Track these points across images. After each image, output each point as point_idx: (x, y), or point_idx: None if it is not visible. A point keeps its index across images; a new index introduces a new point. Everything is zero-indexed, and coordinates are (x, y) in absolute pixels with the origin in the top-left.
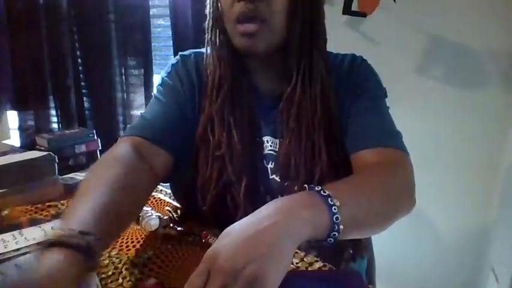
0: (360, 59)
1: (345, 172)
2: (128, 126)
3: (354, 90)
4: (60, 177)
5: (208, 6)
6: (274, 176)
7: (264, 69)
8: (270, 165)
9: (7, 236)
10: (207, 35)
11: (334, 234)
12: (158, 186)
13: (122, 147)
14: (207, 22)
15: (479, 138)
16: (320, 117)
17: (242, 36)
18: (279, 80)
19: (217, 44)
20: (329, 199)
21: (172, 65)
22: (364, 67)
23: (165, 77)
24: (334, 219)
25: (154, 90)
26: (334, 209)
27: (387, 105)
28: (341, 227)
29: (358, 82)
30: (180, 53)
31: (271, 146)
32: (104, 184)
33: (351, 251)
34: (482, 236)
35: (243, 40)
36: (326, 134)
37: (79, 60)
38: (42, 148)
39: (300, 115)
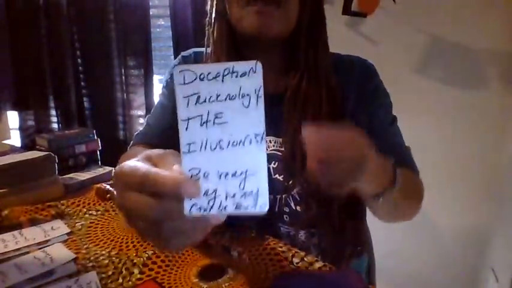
0: (371, 64)
1: None
2: (135, 133)
3: (366, 97)
4: (60, 177)
5: (209, 1)
6: (277, 175)
7: (265, 64)
8: (273, 165)
9: (7, 236)
10: (208, 28)
11: (382, 194)
12: None
13: (133, 149)
14: (208, 16)
15: (479, 138)
16: (325, 111)
17: (256, 15)
18: (281, 77)
19: (217, 36)
20: (397, 170)
21: (175, 66)
22: (375, 74)
23: (168, 78)
24: (395, 183)
25: (154, 90)
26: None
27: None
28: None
29: (371, 90)
30: (182, 53)
31: (274, 145)
32: None
33: (352, 248)
34: (482, 236)
35: (257, 19)
36: None
37: (79, 60)
38: (42, 148)
39: (305, 109)
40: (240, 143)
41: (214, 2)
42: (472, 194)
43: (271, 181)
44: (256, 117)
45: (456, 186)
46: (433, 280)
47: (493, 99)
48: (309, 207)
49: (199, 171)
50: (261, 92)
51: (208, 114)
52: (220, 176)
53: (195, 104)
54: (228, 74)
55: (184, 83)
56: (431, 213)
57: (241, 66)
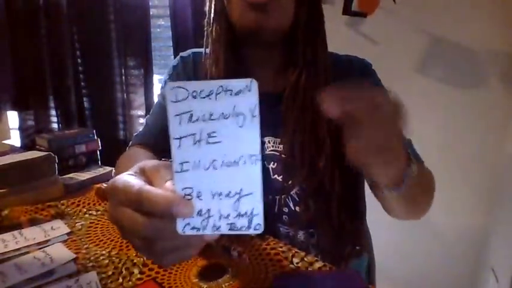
0: (368, 63)
1: (348, 166)
2: (134, 134)
3: None
4: (60, 177)
5: (208, 1)
6: (276, 176)
7: (264, 63)
8: (272, 166)
9: (7, 236)
10: (206, 28)
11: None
12: None
13: (132, 150)
14: (206, 17)
15: (479, 138)
16: None
17: (252, 10)
18: (279, 76)
19: (216, 35)
20: (412, 158)
21: (173, 66)
22: (374, 72)
23: (167, 79)
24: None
25: (154, 91)
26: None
27: None
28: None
29: None
30: (180, 53)
31: (272, 146)
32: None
33: (351, 248)
34: (482, 236)
35: (254, 14)
36: (329, 126)
37: (79, 60)
38: (42, 148)
39: (304, 107)
40: (234, 164)
41: (213, 2)
42: (472, 194)
43: (270, 182)
44: (251, 138)
45: (456, 186)
46: (433, 280)
47: (493, 99)
48: (307, 208)
49: (192, 191)
50: (257, 112)
51: (201, 133)
52: (213, 196)
53: (188, 122)
54: (221, 92)
55: (177, 101)
56: (431, 213)
57: (235, 84)
